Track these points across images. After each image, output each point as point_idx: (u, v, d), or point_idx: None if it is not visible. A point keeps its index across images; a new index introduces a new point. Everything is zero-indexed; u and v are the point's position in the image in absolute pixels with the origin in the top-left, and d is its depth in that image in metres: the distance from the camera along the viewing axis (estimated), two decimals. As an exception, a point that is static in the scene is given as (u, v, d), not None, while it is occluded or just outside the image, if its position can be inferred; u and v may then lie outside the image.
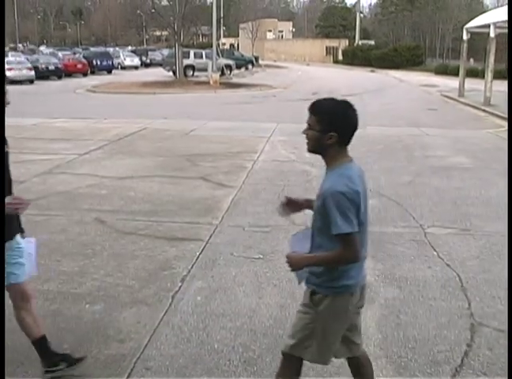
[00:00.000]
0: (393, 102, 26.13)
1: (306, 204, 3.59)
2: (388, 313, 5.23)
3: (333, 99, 3.23)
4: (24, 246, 4.01)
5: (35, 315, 4.09)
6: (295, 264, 3.30)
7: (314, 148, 3.24)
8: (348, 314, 3.36)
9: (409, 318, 5.11)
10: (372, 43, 76.25)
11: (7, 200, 3.60)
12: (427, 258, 6.58)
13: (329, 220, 3.08)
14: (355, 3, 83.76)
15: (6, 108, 3.66)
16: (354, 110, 3.21)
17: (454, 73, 36.82)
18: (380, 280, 5.96)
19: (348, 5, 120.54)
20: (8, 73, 37.76)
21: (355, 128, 3.21)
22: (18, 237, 3.97)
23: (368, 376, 3.71)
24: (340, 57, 78.32)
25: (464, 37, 28.26)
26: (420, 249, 6.87)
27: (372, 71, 56.48)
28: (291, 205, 3.64)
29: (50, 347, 4.13)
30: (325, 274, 3.26)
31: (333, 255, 3.17)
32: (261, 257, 6.57)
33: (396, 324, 5.01)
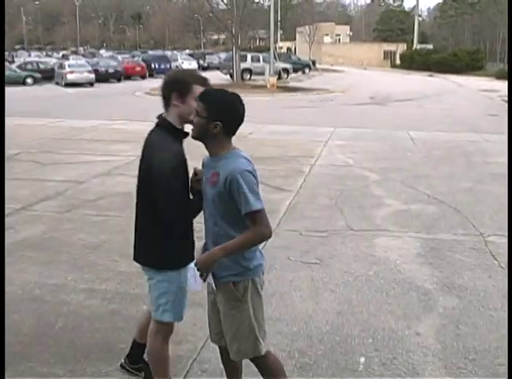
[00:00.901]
0: (451, 107, 25.68)
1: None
2: (447, 322, 5.13)
3: (223, 90, 3.25)
4: None
5: None
6: (207, 262, 3.23)
7: (198, 135, 3.23)
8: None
9: (469, 329, 4.99)
10: (431, 47, 75.13)
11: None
12: (487, 267, 6.42)
13: (240, 200, 3.10)
14: (414, 6, 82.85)
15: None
16: (242, 104, 3.24)
17: (516, 77, 35.92)
18: (439, 288, 5.84)
19: (406, 8, 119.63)
20: (69, 76, 38.74)
21: (241, 121, 3.24)
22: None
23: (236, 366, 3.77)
24: (398, 61, 77.45)
25: (527, 41, 27.56)
26: (481, 258, 6.71)
27: (430, 76, 55.62)
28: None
29: (143, 354, 4.13)
30: (240, 261, 3.26)
31: (248, 236, 3.17)
32: (318, 262, 6.53)
33: (455, 334, 4.90)
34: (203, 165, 3.43)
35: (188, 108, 3.42)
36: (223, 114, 3.15)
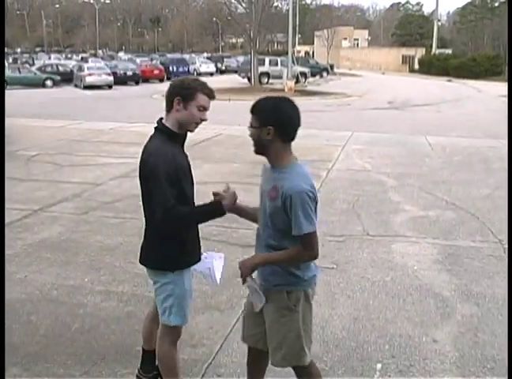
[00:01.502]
0: (470, 112, 25.51)
1: (248, 216, 3.68)
2: (465, 330, 5.08)
3: (271, 97, 3.26)
4: (209, 261, 3.95)
5: None
6: (245, 265, 3.30)
7: (257, 147, 3.24)
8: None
9: (488, 337, 4.94)
10: (450, 52, 74.78)
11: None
12: (506, 275, 6.33)
13: (292, 221, 3.08)
14: (433, 11, 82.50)
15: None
16: (293, 106, 3.23)
17: (536, 83, 35.60)
18: (457, 296, 5.79)
19: (425, 13, 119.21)
20: (88, 78, 38.96)
21: (294, 122, 3.23)
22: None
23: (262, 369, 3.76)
24: (417, 66, 77.05)
25: (548, 47, 27.31)
26: (499, 266, 6.64)
27: (449, 81, 55.34)
28: (238, 211, 3.68)
29: (155, 361, 4.10)
30: (294, 271, 3.26)
31: (293, 253, 3.18)
32: (335, 266, 6.50)
33: (473, 342, 4.85)
34: (262, 173, 3.43)
35: (188, 115, 3.44)
36: (272, 118, 3.14)
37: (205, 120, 3.52)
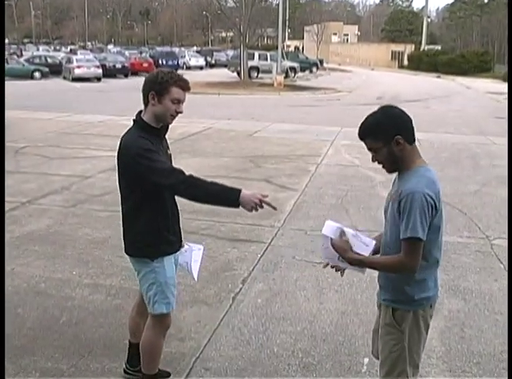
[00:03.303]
0: (459, 109, 25.60)
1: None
2: (452, 325, 5.11)
3: (370, 115, 3.03)
4: (188, 254, 3.95)
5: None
6: (349, 258, 3.10)
7: (391, 165, 3.05)
8: (427, 327, 3.18)
9: (474, 332, 4.97)
10: (439, 48, 75.00)
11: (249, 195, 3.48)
12: (493, 270, 6.40)
13: (403, 222, 2.87)
14: (423, 7, 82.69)
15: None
16: (394, 107, 3.05)
17: (524, 80, 35.73)
18: (444, 291, 5.81)
19: (415, 9, 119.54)
20: (77, 71, 38.78)
21: (408, 119, 3.01)
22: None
23: None
24: (406, 62, 77.20)
25: (537, 44, 27.43)
26: (486, 261, 6.69)
27: (438, 77, 55.51)
28: None
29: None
30: (403, 288, 3.05)
31: (390, 260, 2.99)
32: (323, 261, 6.50)
33: (460, 337, 4.88)
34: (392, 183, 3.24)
35: (163, 108, 3.47)
36: (392, 127, 2.96)
37: (180, 112, 3.54)
